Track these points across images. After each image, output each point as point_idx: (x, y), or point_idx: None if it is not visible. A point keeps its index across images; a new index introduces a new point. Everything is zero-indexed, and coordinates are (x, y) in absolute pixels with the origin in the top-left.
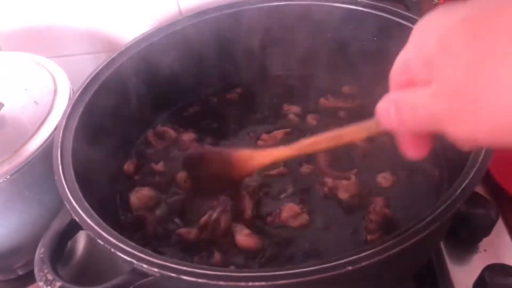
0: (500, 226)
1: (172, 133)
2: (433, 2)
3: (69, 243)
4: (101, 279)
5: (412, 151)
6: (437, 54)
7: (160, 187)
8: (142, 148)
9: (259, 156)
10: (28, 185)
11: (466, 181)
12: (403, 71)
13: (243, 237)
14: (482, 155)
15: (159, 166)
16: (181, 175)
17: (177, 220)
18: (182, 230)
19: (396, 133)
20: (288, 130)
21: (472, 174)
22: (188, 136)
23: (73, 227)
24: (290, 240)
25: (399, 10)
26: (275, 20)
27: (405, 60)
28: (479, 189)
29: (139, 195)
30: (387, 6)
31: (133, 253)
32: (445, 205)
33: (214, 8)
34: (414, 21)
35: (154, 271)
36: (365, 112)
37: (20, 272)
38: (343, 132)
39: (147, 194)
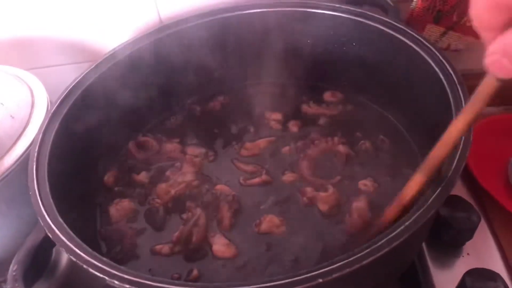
0: (483, 229)
1: (154, 143)
2: (411, 7)
3: (54, 255)
4: None
5: None
6: None
7: (141, 198)
8: (123, 159)
9: None
10: (5, 199)
11: (441, 186)
12: (500, 10)
13: (221, 246)
14: (456, 160)
15: (141, 177)
16: (162, 186)
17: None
18: (157, 247)
19: None
20: (272, 139)
21: (447, 178)
22: (172, 146)
23: (47, 243)
24: (269, 249)
25: (377, 15)
26: (254, 27)
27: None
28: (461, 192)
29: (119, 207)
30: (365, 12)
31: (104, 269)
32: (420, 211)
33: (194, 16)
34: (392, 26)
35: (125, 287)
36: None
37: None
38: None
39: (127, 206)
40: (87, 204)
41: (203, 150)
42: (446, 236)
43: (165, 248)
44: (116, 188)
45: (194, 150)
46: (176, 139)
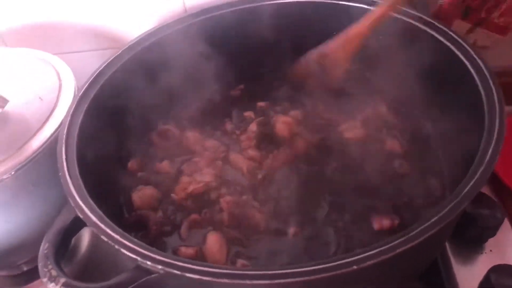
0: (506, 226)
1: (175, 132)
2: (439, 2)
3: (73, 240)
4: (104, 276)
5: None
6: None
7: (163, 186)
8: (145, 147)
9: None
10: (33, 181)
11: (473, 181)
12: None
13: None
14: (488, 156)
15: (164, 165)
16: (184, 178)
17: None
18: (182, 249)
19: None
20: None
21: (478, 173)
22: (192, 135)
23: (77, 224)
24: None
25: (405, 9)
26: (280, 18)
27: None
28: (485, 190)
29: (141, 194)
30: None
31: (137, 250)
32: (451, 205)
33: (218, 6)
34: (421, 20)
35: (158, 268)
36: None
37: (25, 268)
38: None
39: (149, 193)
40: (112, 187)
41: (219, 143)
42: (470, 233)
43: (189, 251)
44: (139, 174)
45: (213, 143)
46: (196, 128)
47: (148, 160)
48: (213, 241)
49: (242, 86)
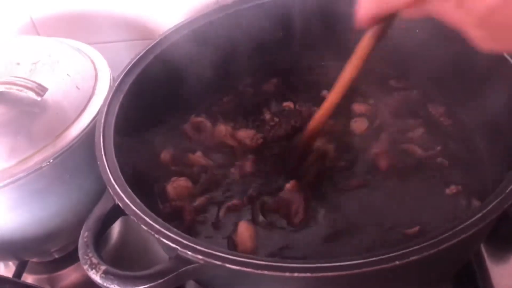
0: None
1: (207, 124)
2: None
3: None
4: (135, 266)
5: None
6: None
7: (198, 178)
8: (178, 139)
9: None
10: (69, 170)
11: None
12: None
13: None
14: None
15: (197, 157)
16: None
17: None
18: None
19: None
20: None
21: None
22: (224, 129)
23: (115, 213)
24: None
25: None
26: (312, 12)
27: None
28: None
29: (176, 186)
30: None
31: (177, 240)
32: (495, 202)
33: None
34: None
35: (198, 258)
36: None
37: (56, 256)
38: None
39: (184, 184)
40: (146, 178)
41: (252, 133)
42: (505, 232)
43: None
44: (173, 167)
45: (245, 133)
46: (229, 122)
47: (180, 151)
48: (244, 229)
49: (275, 80)
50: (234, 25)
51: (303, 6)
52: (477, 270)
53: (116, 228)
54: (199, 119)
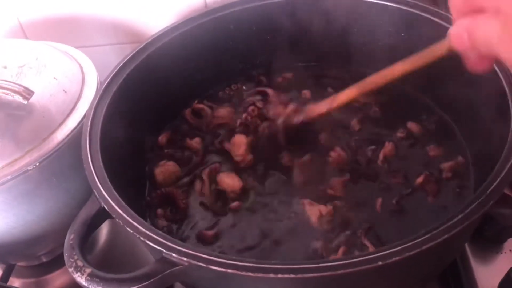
0: None
1: (208, 111)
2: None
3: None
4: (122, 268)
5: (477, 67)
6: None
7: (189, 163)
8: (178, 124)
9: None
10: (55, 173)
11: (498, 179)
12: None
13: None
14: None
15: (194, 142)
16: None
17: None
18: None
19: (465, 53)
20: None
21: (503, 173)
22: (224, 111)
23: (101, 216)
24: None
25: (430, 7)
26: (299, 13)
27: None
28: (506, 190)
29: (164, 170)
30: (418, 3)
31: (162, 242)
32: (478, 201)
33: (239, 1)
34: (446, 19)
35: (183, 260)
36: None
37: (43, 259)
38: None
39: (172, 170)
40: (137, 169)
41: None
42: (490, 232)
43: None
44: (166, 150)
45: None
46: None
47: (178, 136)
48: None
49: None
50: (222, 29)
51: (289, 10)
52: (462, 270)
53: (104, 231)
54: (200, 106)
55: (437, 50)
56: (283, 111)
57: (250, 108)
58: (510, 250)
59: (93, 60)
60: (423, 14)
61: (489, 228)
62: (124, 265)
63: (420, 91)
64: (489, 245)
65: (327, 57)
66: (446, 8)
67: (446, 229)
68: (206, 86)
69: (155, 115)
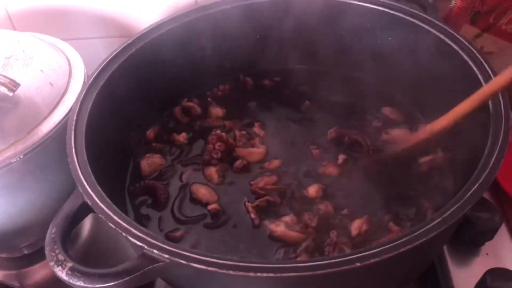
0: (503, 231)
1: (198, 109)
2: (450, 6)
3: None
4: (105, 263)
5: None
6: None
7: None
8: (166, 120)
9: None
10: (40, 166)
11: (476, 185)
12: None
13: None
14: (492, 162)
15: (180, 137)
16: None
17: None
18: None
19: None
20: None
21: (482, 179)
22: (216, 112)
23: (84, 210)
24: None
25: (416, 11)
26: (285, 14)
27: None
28: (485, 194)
29: (150, 162)
30: (404, 7)
31: (144, 239)
32: (456, 206)
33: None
34: (430, 23)
35: (164, 257)
36: None
37: (26, 251)
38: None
39: (158, 162)
40: (123, 161)
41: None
42: (467, 235)
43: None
44: (154, 144)
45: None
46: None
47: (165, 131)
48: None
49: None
50: (212, 26)
51: (279, 11)
52: (439, 272)
53: (88, 225)
54: (190, 104)
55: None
56: None
57: (217, 144)
58: (487, 254)
59: (81, 53)
60: (409, 18)
61: (468, 231)
62: (108, 259)
63: None
64: (467, 248)
65: (317, 59)
66: (434, 14)
67: (424, 232)
68: (194, 84)
69: (143, 110)
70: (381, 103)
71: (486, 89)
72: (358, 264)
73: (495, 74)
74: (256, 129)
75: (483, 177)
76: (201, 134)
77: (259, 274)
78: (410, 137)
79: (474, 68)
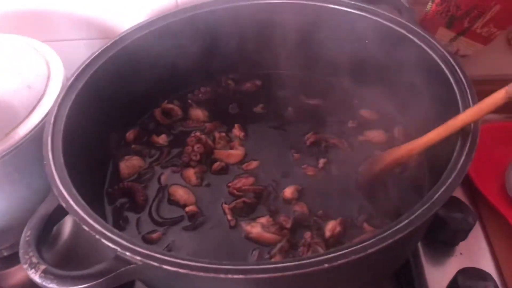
0: (477, 230)
1: (178, 111)
2: (425, 10)
3: (55, 227)
4: (85, 264)
5: None
6: None
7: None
8: (146, 122)
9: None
10: (17, 168)
11: (445, 185)
12: None
13: None
14: (461, 161)
15: (160, 139)
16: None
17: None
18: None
19: None
20: None
21: (451, 178)
22: (196, 114)
23: (60, 212)
24: None
25: (391, 15)
26: (269, 17)
27: None
28: (459, 194)
29: (128, 164)
30: (380, 11)
31: (117, 241)
32: (423, 208)
33: (211, 1)
34: (405, 27)
35: (136, 259)
36: None
37: (5, 253)
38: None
39: (137, 164)
40: (101, 163)
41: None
42: (442, 235)
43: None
44: (133, 146)
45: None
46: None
47: (145, 132)
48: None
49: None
50: (193, 29)
51: (260, 15)
52: (414, 271)
53: (67, 226)
54: (170, 106)
55: (496, 99)
56: None
57: (196, 146)
58: (461, 253)
59: (61, 55)
60: (387, 23)
61: (442, 231)
62: (89, 261)
63: None
64: (442, 247)
65: (297, 64)
66: (410, 19)
67: (391, 234)
68: (175, 87)
69: (123, 113)
70: (359, 106)
71: (463, 117)
72: (326, 265)
73: (466, 78)
74: (236, 131)
75: (450, 179)
76: (181, 136)
77: (229, 276)
78: (385, 156)
79: (446, 71)
